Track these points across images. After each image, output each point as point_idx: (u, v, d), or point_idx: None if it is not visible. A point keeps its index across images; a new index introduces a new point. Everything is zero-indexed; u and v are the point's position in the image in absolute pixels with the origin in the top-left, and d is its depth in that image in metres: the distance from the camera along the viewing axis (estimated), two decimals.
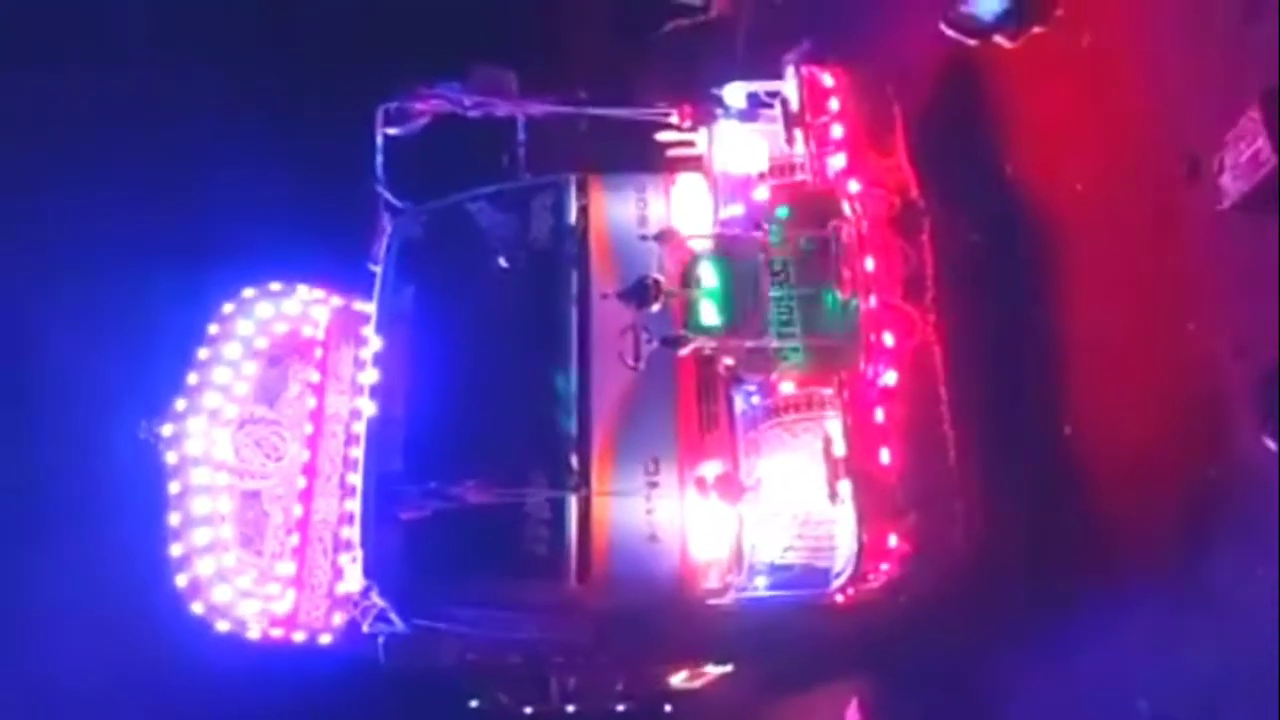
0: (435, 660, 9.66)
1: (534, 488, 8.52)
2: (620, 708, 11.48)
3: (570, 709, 11.09)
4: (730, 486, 8.23)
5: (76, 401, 12.51)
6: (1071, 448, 8.14)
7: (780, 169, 9.21)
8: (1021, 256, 8.62)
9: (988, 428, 8.37)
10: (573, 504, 8.43)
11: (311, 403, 10.82)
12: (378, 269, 10.03)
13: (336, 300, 11.17)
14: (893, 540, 7.99)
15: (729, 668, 10.57)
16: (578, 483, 8.51)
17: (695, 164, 9.80)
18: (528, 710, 11.25)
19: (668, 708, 11.78)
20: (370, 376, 9.66)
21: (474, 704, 11.28)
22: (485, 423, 8.99)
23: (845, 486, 8.03)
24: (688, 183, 9.76)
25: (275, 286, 11.09)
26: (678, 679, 10.91)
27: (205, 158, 12.89)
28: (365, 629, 9.50)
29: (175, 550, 10.28)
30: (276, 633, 10.28)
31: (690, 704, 11.35)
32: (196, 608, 10.21)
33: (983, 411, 8.41)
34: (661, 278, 8.40)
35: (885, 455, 8.03)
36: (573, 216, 9.47)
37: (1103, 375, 8.00)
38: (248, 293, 10.97)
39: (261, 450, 10.80)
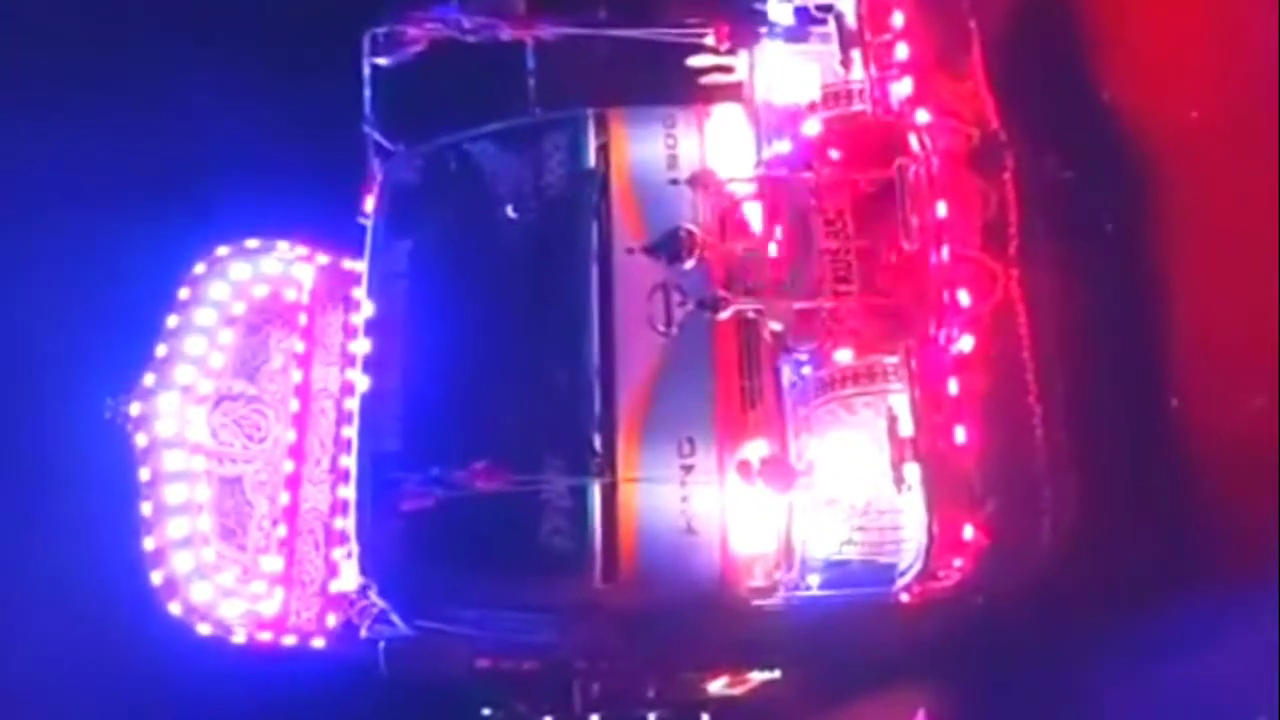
0: (442, 667, 9.54)
1: (552, 473, 8.34)
2: (651, 717, 11.40)
3: (595, 717, 11.03)
4: (779, 471, 8.04)
5: (33, 377, 12.43)
6: (1179, 424, 7.86)
7: (834, 98, 8.88)
8: (1122, 198, 8.24)
9: (1080, 401, 8.09)
10: (596, 491, 8.34)
11: (297, 376, 10.75)
12: (368, 222, 9.83)
13: (322, 258, 11.02)
14: (968, 532, 7.79)
15: (775, 674, 10.44)
16: (601, 467, 8.40)
17: (734, 94, 9.51)
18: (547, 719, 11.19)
19: (705, 717, 11.71)
20: (362, 346, 9.52)
21: (487, 713, 11.25)
22: (494, 398, 8.86)
23: (913, 470, 7.86)
24: (725, 116, 9.46)
25: (252, 244, 10.94)
26: (716, 686, 10.82)
27: (171, 95, 12.61)
28: (363, 633, 9.41)
29: (148, 544, 10.21)
30: (264, 636, 10.27)
31: (730, 713, 11.26)
32: (174, 608, 10.17)
33: (1075, 382, 8.11)
34: (696, 228, 8.10)
35: (960, 434, 7.83)
36: (591, 158, 9.28)
37: (1217, 339, 7.66)
38: (221, 251, 10.81)
39: (242, 430, 10.72)
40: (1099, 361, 8.02)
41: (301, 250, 10.97)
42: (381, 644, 9.28)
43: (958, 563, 7.89)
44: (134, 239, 11.78)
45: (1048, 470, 7.96)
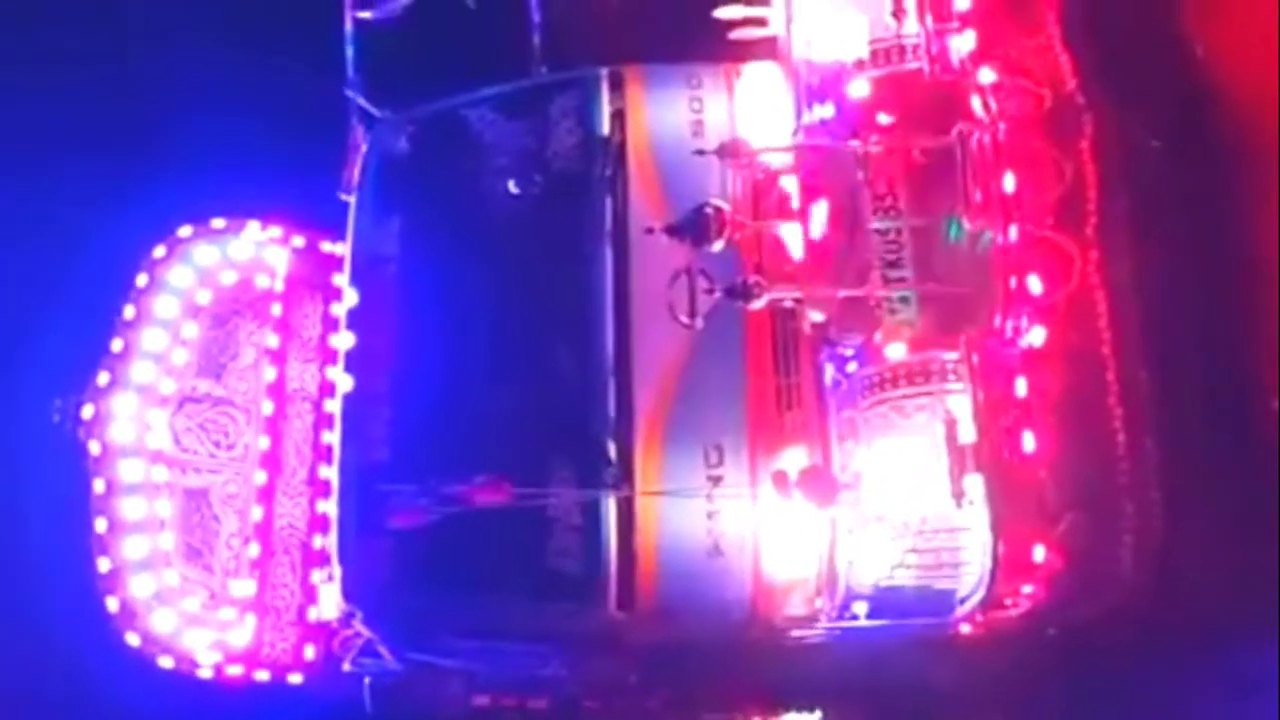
0: (436, 705, 9.59)
1: (560, 486, 8.31)
2: None
3: None
4: (820, 483, 7.99)
5: None
6: None
7: (885, 55, 8.80)
8: (1218, 171, 8.11)
9: (1169, 403, 7.97)
10: (611, 506, 8.42)
11: (270, 374, 10.78)
12: (351, 198, 9.81)
13: (298, 240, 11.05)
14: (1039, 554, 7.70)
15: (815, 716, 10.40)
16: (617, 479, 8.41)
17: (768, 50, 9.45)
18: None
19: None
20: (345, 340, 9.51)
21: None
22: (495, 400, 8.90)
23: (975, 483, 7.74)
24: (758, 76, 9.40)
25: (219, 224, 10.97)
26: None
27: (129, 58, 12.56)
28: (346, 666, 9.43)
29: (103, 565, 10.30)
30: (234, 670, 10.32)
31: None
32: (131, 639, 10.26)
33: (1163, 381, 8.00)
34: (725, 205, 8.06)
35: (1029, 441, 7.71)
36: (605, 124, 9.29)
37: None
38: (183, 232, 10.86)
39: (208, 436, 10.79)
40: (1190, 358, 7.91)
41: (275, 231, 11.01)
42: (367, 680, 9.32)
43: (1027, 589, 7.81)
44: (85, 218, 11.77)
45: (1131, 483, 7.86)
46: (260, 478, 10.43)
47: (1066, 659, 8.20)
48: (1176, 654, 7.90)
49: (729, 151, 8.37)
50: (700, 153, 8.72)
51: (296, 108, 10.81)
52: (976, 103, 8.00)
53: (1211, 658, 7.75)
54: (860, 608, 8.24)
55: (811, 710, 10.11)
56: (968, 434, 7.78)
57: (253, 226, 10.88)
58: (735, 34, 9.47)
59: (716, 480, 8.28)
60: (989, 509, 7.63)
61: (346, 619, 9.21)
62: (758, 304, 8.06)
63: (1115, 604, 7.98)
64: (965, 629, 8.14)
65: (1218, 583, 7.82)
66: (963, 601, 7.99)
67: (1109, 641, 8.07)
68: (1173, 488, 7.94)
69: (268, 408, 10.56)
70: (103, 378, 10.44)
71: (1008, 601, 7.90)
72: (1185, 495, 7.93)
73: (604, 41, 9.79)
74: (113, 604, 10.14)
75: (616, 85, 9.27)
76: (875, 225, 8.02)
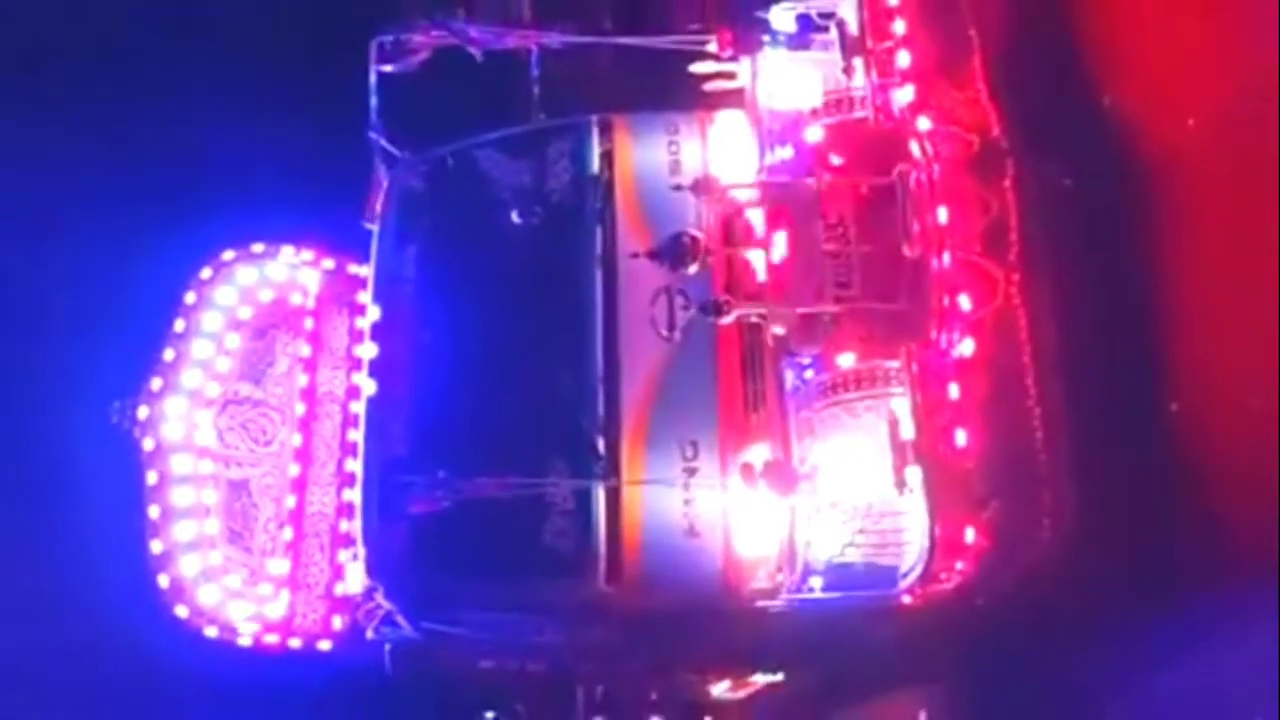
0: (447, 668, 9.57)
1: (556, 476, 8.37)
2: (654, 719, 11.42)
3: None
4: (781, 474, 8.10)
5: (39, 381, 12.47)
6: (1179, 427, 7.88)
7: (836, 105, 8.97)
8: (1122, 205, 8.31)
9: (1081, 405, 8.12)
10: (600, 494, 8.38)
11: (303, 380, 10.77)
12: (374, 227, 9.85)
13: (328, 263, 11.04)
14: (970, 535, 7.83)
15: (778, 676, 10.47)
16: (605, 470, 8.42)
17: (736, 100, 9.56)
18: None
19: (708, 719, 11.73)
20: (368, 350, 9.54)
21: (490, 716, 11.28)
22: (499, 402, 8.89)
23: (914, 473, 7.90)
24: (727, 123, 9.51)
25: (258, 248, 10.96)
26: (719, 689, 10.85)
27: (178, 100, 12.64)
28: (369, 634, 9.43)
29: (155, 547, 10.23)
30: (271, 639, 10.28)
31: (733, 715, 11.29)
32: (181, 611, 10.20)
33: (1075, 386, 8.15)
34: (699, 234, 8.15)
35: (961, 437, 7.89)
36: (595, 164, 9.31)
37: (1217, 343, 7.72)
38: (227, 255, 10.85)
39: (249, 434, 10.73)
40: (1098, 365, 8.08)
41: (307, 255, 11.00)
42: (387, 646, 9.31)
43: (960, 565, 7.93)
44: (140, 244, 11.77)
45: (1048, 473, 8.01)
46: (294, 470, 10.45)
47: (991, 623, 8.29)
48: (1083, 617, 8.01)
49: (703, 187, 8.51)
50: (678, 188, 8.82)
51: (327, 149, 10.88)
52: (915, 147, 8.13)
53: (1114, 620, 7.87)
54: (816, 581, 8.30)
55: (775, 671, 10.17)
56: (908, 432, 7.88)
57: (288, 251, 10.91)
58: (708, 87, 9.53)
59: (692, 471, 8.33)
60: (926, 497, 7.75)
61: (369, 593, 9.18)
62: (727, 319, 8.17)
63: (1032, 577, 8.07)
64: (906, 600, 8.16)
65: (1119, 557, 7.97)
66: (904, 576, 8.08)
67: (1027, 608, 8.18)
68: (1082, 478, 8.08)
69: (300, 409, 10.60)
70: (156, 383, 10.44)
71: (943, 576, 8.00)
72: (1093, 484, 8.08)
73: (594, 93, 9.89)
74: (164, 581, 10.11)
75: (605, 130, 9.33)
76: (828, 250, 8.05)
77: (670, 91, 9.65)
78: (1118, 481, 7.84)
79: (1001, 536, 7.73)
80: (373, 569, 8.97)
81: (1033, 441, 7.91)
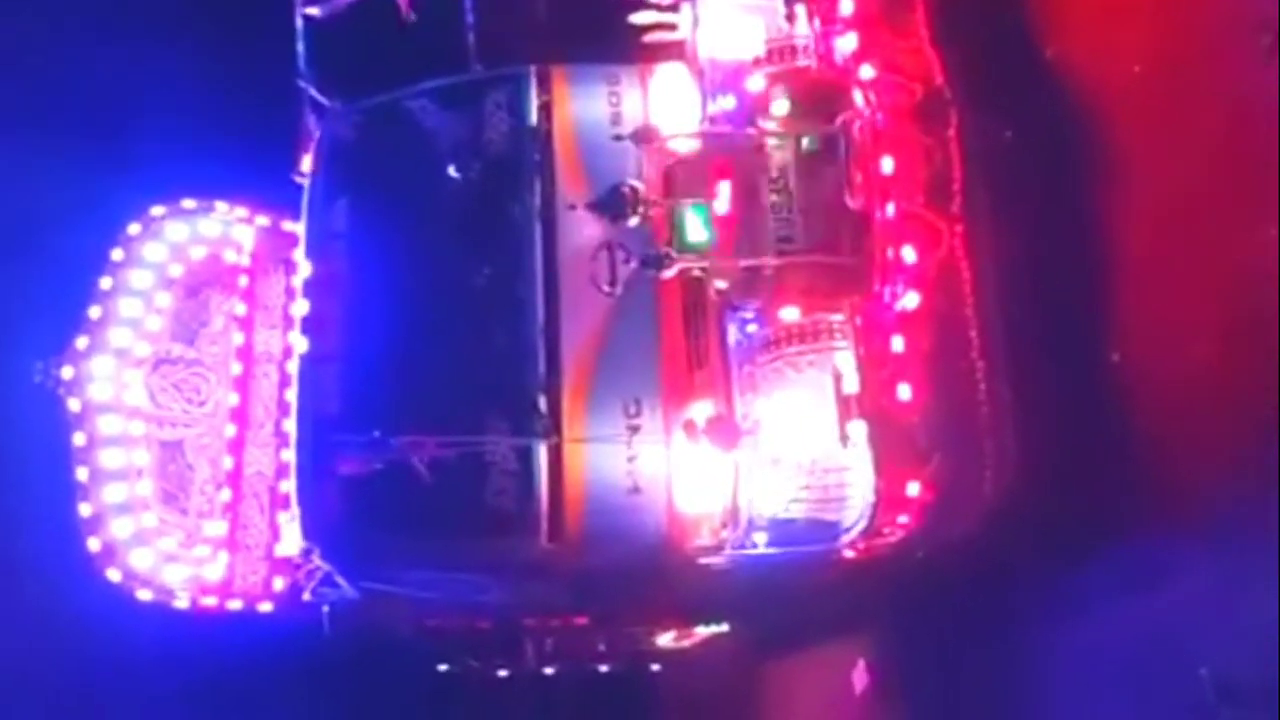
0: (390, 628, 9.05)
1: (496, 435, 7.81)
2: (603, 668, 11.07)
3: (549, 670, 10.66)
4: (724, 430, 7.62)
5: None
6: (1119, 378, 7.56)
7: (778, 53, 8.40)
8: (1064, 154, 7.87)
9: (1022, 356, 7.75)
10: (542, 453, 7.94)
11: (238, 339, 10.16)
12: (304, 180, 9.09)
13: (262, 219, 10.37)
14: (913, 488, 7.43)
15: (723, 628, 10.11)
16: (547, 428, 7.94)
17: (677, 51, 8.97)
18: (502, 673, 10.80)
19: (655, 667, 11.40)
20: (301, 307, 8.85)
21: (443, 668, 10.81)
22: (436, 360, 8.34)
23: (858, 428, 7.52)
24: (668, 74, 8.90)
25: (189, 204, 10.26)
26: (665, 639, 10.47)
27: (105, 48, 11.58)
28: (305, 596, 8.86)
29: (85, 510, 9.62)
30: (209, 601, 9.71)
31: (679, 663, 10.95)
32: (113, 575, 9.59)
33: (1017, 338, 7.77)
34: (640, 185, 7.56)
35: (904, 391, 7.49)
36: (533, 115, 8.71)
37: (1157, 293, 7.37)
38: (156, 211, 10.15)
39: (181, 394, 10.15)
40: (1040, 317, 7.70)
41: (241, 211, 10.33)
42: (325, 608, 8.76)
43: (903, 519, 7.55)
44: (63, 198, 10.89)
45: (990, 425, 7.66)
46: (230, 430, 9.91)
47: (932, 573, 7.94)
48: (1024, 566, 7.68)
49: (643, 137, 7.92)
50: (618, 138, 8.22)
51: (260, 101, 10.06)
52: (858, 96, 7.56)
53: (1054, 570, 7.53)
54: (760, 537, 7.93)
55: (719, 623, 9.82)
56: (852, 386, 7.42)
57: (221, 207, 10.27)
58: (649, 37, 8.96)
59: (635, 429, 7.91)
60: (871, 450, 7.34)
61: (307, 554, 8.59)
62: (669, 273, 7.63)
63: (974, 528, 7.70)
64: (848, 553, 7.78)
65: (1060, 507, 7.62)
66: (847, 531, 7.70)
67: (968, 559, 7.82)
68: (1023, 429, 7.71)
69: (236, 368, 10.02)
70: (81, 342, 9.79)
71: (886, 530, 7.60)
72: (1034, 435, 7.71)
73: (531, 43, 9.23)
74: (94, 544, 9.52)
75: (544, 81, 8.76)
76: (770, 203, 7.50)
77: (610, 42, 9.00)
78: (1058, 431, 7.45)
79: (945, 489, 7.32)
80: (308, 530, 8.46)
81: (975, 394, 7.53)
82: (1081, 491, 7.49)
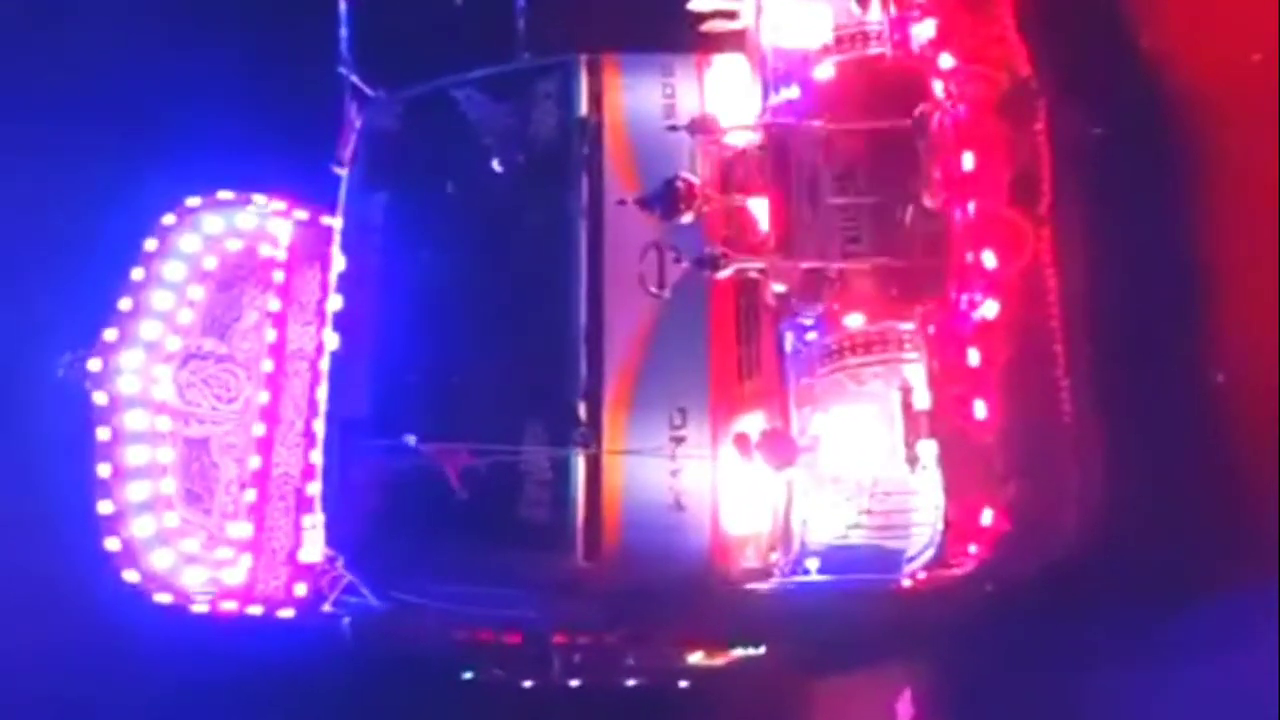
0: (415, 641, 8.42)
1: (532, 443, 7.16)
2: (630, 683, 10.19)
3: (574, 682, 9.81)
4: (780, 446, 6.79)
5: None
6: (1223, 401, 6.49)
7: (849, 40, 7.53)
8: (1164, 152, 6.93)
9: (1114, 375, 6.78)
10: (580, 463, 7.34)
11: (272, 335, 9.57)
12: (343, 171, 8.40)
13: (301, 213, 9.76)
14: (987, 517, 6.46)
15: (758, 650, 9.18)
16: (586, 437, 7.33)
17: (736, 41, 8.12)
18: (527, 684, 9.96)
19: (683, 684, 10.50)
20: (334, 302, 8.16)
21: (467, 676, 10.00)
22: (471, 361, 7.76)
23: (928, 448, 6.68)
24: (726, 65, 8.03)
25: (226, 195, 9.70)
26: (695, 657, 9.56)
27: (140, 35, 11.01)
28: (327, 606, 8.09)
29: (105, 508, 9.03)
30: (228, 606, 9.08)
31: (709, 681, 10.03)
32: (131, 576, 8.99)
33: (1108, 353, 6.79)
34: (695, 179, 6.70)
35: (980, 409, 6.62)
36: (583, 106, 8.11)
37: (1268, 308, 6.28)
38: (192, 201, 9.58)
39: (211, 390, 9.57)
40: (1136, 332, 6.71)
41: (279, 205, 9.76)
42: (346, 619, 8.00)
43: (973, 549, 6.57)
44: (97, 186, 10.38)
45: (1076, 451, 6.72)
46: (259, 429, 9.31)
47: (1000, 608, 6.93)
48: (1107, 609, 6.63)
49: (700, 127, 7.09)
50: (673, 128, 7.42)
51: (303, 90, 9.38)
52: (937, 86, 6.64)
53: (1138, 614, 6.48)
54: (813, 564, 7.04)
55: (756, 646, 8.92)
56: (922, 401, 6.50)
57: (259, 199, 9.71)
58: (706, 26, 8.10)
59: (680, 440, 7.25)
60: (941, 473, 6.42)
61: (330, 562, 7.79)
62: (724, 273, 6.80)
63: (1053, 564, 6.68)
64: (907, 584, 6.82)
65: (1153, 546, 6.56)
66: (911, 560, 6.75)
67: (1044, 596, 6.79)
68: (1115, 457, 6.70)
69: (268, 365, 9.43)
70: (110, 334, 9.25)
71: (953, 561, 6.61)
72: (1127, 464, 6.69)
73: (583, 31, 8.46)
74: (114, 544, 8.94)
75: (595, 71, 8.16)
76: (835, 202, 6.59)
77: (665, 31, 8.21)
78: (1155, 461, 6.43)
79: (1022, 519, 6.32)
80: (332, 537, 7.72)
81: (1060, 415, 6.59)
82: (1175, 530, 6.48)
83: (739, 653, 9.44)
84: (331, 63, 8.69)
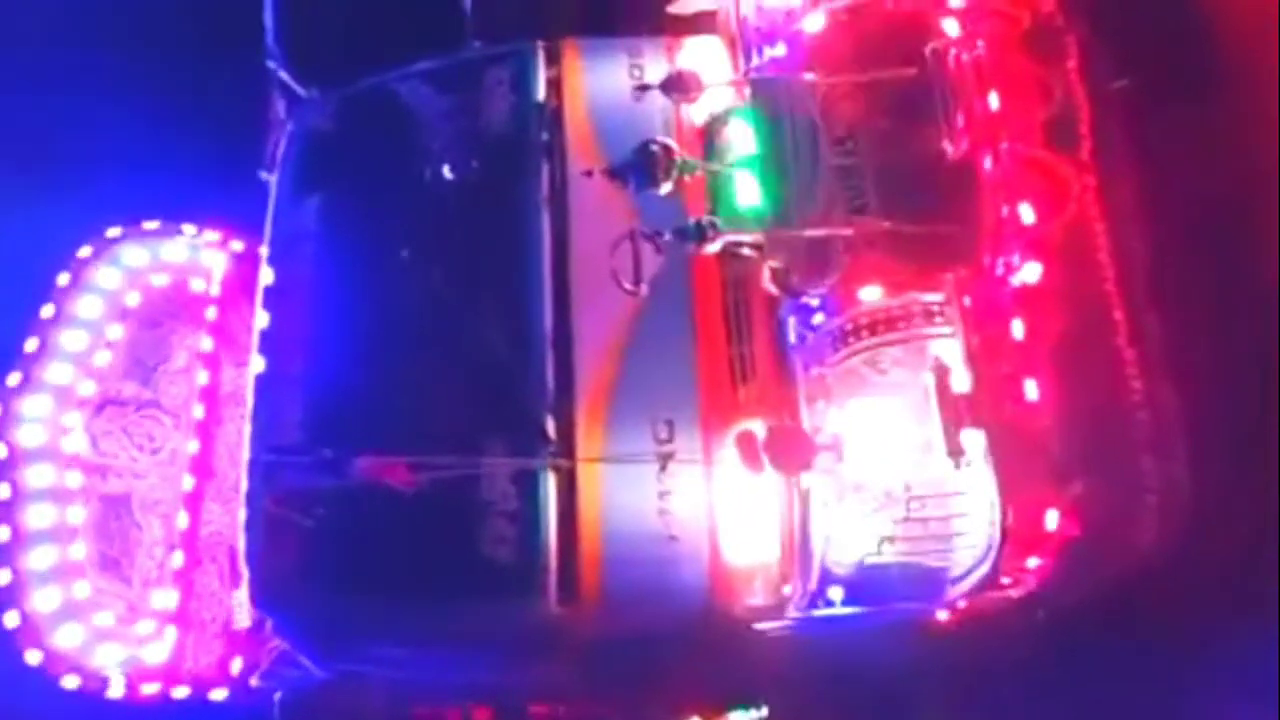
0: (364, 717, 6.58)
1: (491, 458, 5.67)
2: None
3: None
4: (793, 444, 5.29)
5: None
6: None
7: None
8: (1215, 93, 5.53)
9: (1190, 344, 5.24)
10: (550, 487, 5.93)
11: (203, 378, 8.17)
12: (271, 177, 6.99)
13: (237, 244, 8.42)
14: (1052, 520, 4.87)
15: (762, 712, 7.48)
16: (556, 457, 5.86)
17: (709, 23, 6.84)
18: None
19: None
20: (260, 319, 6.65)
21: None
22: (421, 376, 6.42)
23: (974, 439, 5.17)
24: (699, 46, 6.81)
25: (151, 225, 8.40)
26: None
27: (55, 41, 9.54)
28: (254, 681, 6.38)
29: (2, 577, 7.55)
30: (150, 689, 7.54)
31: None
32: (33, 656, 7.48)
33: (1180, 319, 5.32)
34: (672, 142, 5.32)
35: (1032, 389, 5.26)
36: (540, 91, 6.93)
37: None
38: (112, 232, 8.29)
39: (131, 440, 8.20)
40: (1205, 290, 5.21)
41: (212, 235, 8.47)
42: (277, 695, 6.27)
43: (1033, 563, 4.99)
44: (7, 218, 8.69)
45: (1150, 437, 5.26)
46: (188, 483, 7.87)
47: (1061, 637, 5.31)
48: (1197, 634, 5.02)
49: (676, 85, 5.71)
50: (643, 88, 6.06)
51: (242, 112, 7.94)
52: (950, 24, 5.34)
53: (1242, 640, 4.87)
54: (836, 593, 5.40)
55: (759, 705, 7.22)
56: (961, 384, 4.96)
57: (189, 229, 8.43)
58: (674, 8, 6.90)
59: (667, 457, 5.91)
60: (995, 470, 4.97)
61: (259, 626, 6.07)
62: (713, 247, 5.29)
63: (1128, 576, 5.10)
64: (943, 615, 5.21)
65: (1251, 551, 4.98)
66: (958, 581, 5.14)
67: (1115, 619, 5.18)
68: (1197, 442, 5.14)
69: (199, 411, 8.03)
70: (13, 378, 7.86)
71: (1006, 580, 4.99)
72: (1213, 448, 5.12)
73: (537, 17, 7.12)
74: (13, 619, 7.44)
75: (553, 57, 7.07)
76: (838, 163, 5.22)
77: (627, 15, 6.88)
78: (1246, 441, 4.88)
79: (1093, 522, 4.73)
80: (257, 595, 6.04)
81: (1127, 395, 5.18)
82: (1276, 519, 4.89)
83: (738, 717, 7.74)
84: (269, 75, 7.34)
